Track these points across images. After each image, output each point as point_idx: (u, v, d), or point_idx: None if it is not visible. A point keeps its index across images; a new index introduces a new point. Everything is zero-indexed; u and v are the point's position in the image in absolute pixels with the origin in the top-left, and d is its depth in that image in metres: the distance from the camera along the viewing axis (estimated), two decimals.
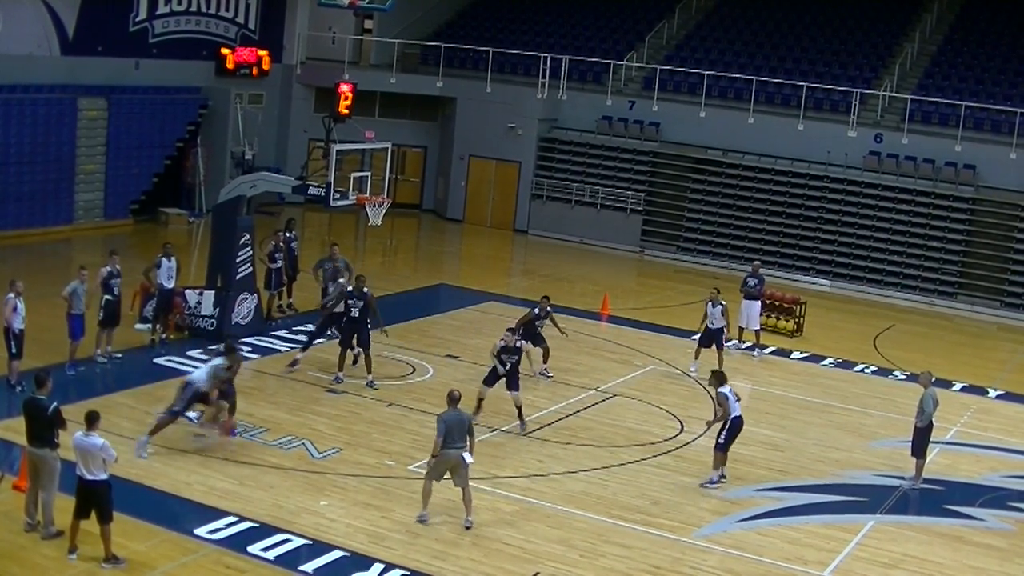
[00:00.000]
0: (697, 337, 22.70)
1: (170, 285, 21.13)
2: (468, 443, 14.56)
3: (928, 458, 17.74)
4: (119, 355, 20.15)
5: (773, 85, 34.75)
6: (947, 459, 18.91)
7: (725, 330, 22.33)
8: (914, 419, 17.60)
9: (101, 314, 19.66)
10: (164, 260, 21.05)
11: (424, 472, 14.97)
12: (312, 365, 20.66)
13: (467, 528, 14.54)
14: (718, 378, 17.14)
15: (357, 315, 19.85)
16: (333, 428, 17.77)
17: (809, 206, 33.33)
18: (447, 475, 14.62)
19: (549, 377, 21.09)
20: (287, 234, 24.01)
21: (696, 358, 22.33)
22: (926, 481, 17.57)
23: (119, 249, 21.06)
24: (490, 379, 18.49)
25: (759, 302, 24.39)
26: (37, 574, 12.53)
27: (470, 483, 14.69)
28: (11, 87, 29.00)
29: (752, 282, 24.33)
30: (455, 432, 14.45)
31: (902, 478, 17.70)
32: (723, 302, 22.31)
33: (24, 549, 12.98)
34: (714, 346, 22.11)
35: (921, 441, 17.49)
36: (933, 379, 17.76)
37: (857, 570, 14.63)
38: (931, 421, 17.45)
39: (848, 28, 37.64)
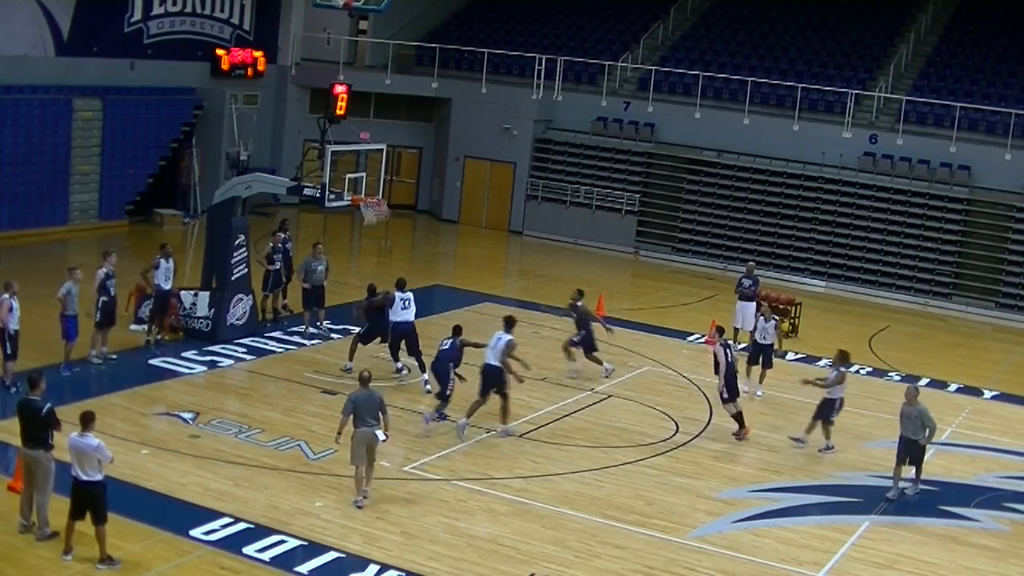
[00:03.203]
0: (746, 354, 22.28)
1: (167, 286, 21.11)
2: (381, 421, 14.93)
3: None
4: (114, 356, 20.14)
5: (768, 86, 34.77)
6: (942, 460, 18.91)
7: (775, 346, 21.81)
8: (910, 433, 17.03)
9: (98, 315, 19.63)
10: (163, 261, 21.02)
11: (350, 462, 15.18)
12: (307, 366, 20.67)
13: (358, 507, 14.82)
14: (843, 357, 18.75)
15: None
16: (328, 429, 17.70)
17: (804, 207, 33.34)
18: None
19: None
20: (282, 235, 23.98)
21: (747, 375, 21.41)
22: (920, 482, 17.56)
23: (114, 250, 20.98)
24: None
25: (754, 303, 24.35)
26: (32, 575, 12.53)
27: (375, 464, 15.14)
28: (6, 88, 28.97)
29: (747, 283, 24.34)
30: (365, 411, 14.79)
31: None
32: (775, 317, 22.08)
33: (19, 550, 12.97)
34: (761, 361, 21.48)
35: (907, 449, 17.19)
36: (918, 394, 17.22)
37: (852, 571, 14.65)
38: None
39: (843, 29, 37.67)
